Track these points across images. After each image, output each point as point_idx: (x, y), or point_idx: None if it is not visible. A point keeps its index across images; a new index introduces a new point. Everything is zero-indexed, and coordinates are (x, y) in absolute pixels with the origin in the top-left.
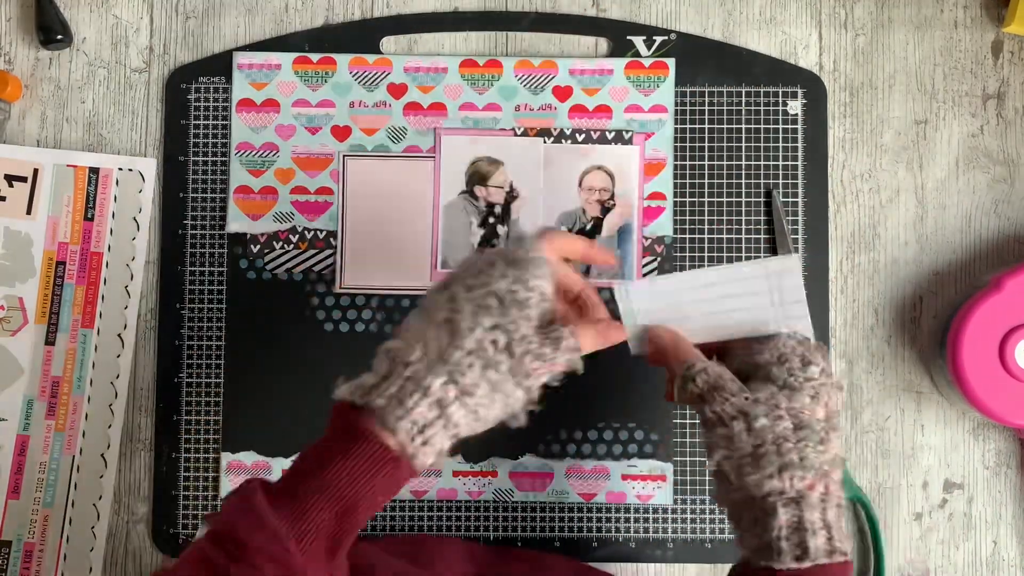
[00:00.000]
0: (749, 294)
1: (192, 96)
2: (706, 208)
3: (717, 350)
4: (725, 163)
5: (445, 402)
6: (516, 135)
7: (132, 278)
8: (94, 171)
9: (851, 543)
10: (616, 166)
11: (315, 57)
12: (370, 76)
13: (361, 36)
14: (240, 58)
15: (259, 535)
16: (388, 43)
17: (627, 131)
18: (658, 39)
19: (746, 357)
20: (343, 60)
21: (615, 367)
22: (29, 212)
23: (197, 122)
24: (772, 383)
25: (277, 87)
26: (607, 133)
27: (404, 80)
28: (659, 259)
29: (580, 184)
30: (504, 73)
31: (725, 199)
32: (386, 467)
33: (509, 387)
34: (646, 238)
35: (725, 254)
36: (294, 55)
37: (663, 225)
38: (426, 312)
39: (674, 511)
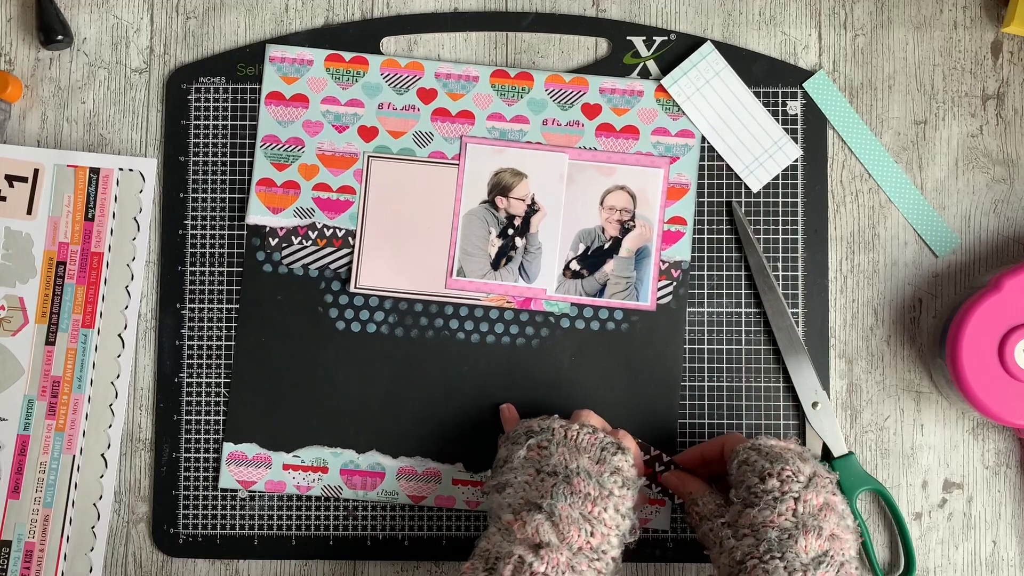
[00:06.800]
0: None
1: (192, 96)
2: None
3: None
4: (725, 163)
5: None
6: (542, 149)
7: (132, 278)
8: (94, 171)
9: None
10: (639, 188)
11: (347, 56)
12: (401, 79)
13: (361, 36)
14: (272, 51)
15: None
16: (388, 43)
17: (652, 153)
18: (658, 39)
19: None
20: (375, 61)
21: (615, 369)
22: (30, 212)
23: (197, 122)
24: (739, 502)
25: (308, 83)
26: (632, 154)
27: (434, 86)
28: (675, 284)
29: (601, 203)
30: (535, 86)
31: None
32: None
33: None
34: (663, 261)
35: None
36: (327, 52)
37: (681, 250)
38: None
39: (674, 511)
